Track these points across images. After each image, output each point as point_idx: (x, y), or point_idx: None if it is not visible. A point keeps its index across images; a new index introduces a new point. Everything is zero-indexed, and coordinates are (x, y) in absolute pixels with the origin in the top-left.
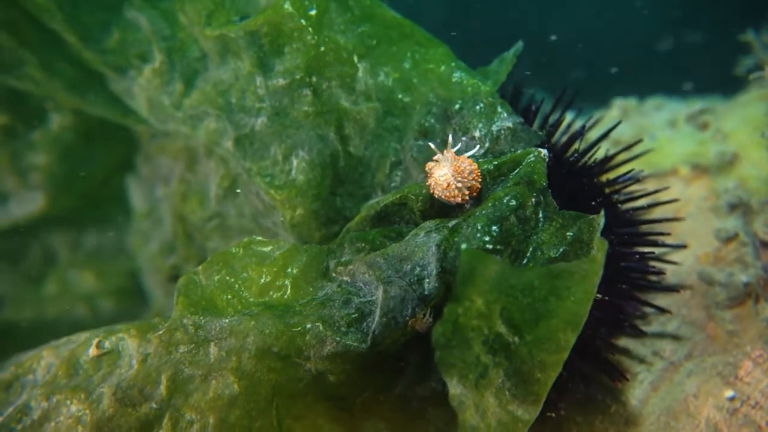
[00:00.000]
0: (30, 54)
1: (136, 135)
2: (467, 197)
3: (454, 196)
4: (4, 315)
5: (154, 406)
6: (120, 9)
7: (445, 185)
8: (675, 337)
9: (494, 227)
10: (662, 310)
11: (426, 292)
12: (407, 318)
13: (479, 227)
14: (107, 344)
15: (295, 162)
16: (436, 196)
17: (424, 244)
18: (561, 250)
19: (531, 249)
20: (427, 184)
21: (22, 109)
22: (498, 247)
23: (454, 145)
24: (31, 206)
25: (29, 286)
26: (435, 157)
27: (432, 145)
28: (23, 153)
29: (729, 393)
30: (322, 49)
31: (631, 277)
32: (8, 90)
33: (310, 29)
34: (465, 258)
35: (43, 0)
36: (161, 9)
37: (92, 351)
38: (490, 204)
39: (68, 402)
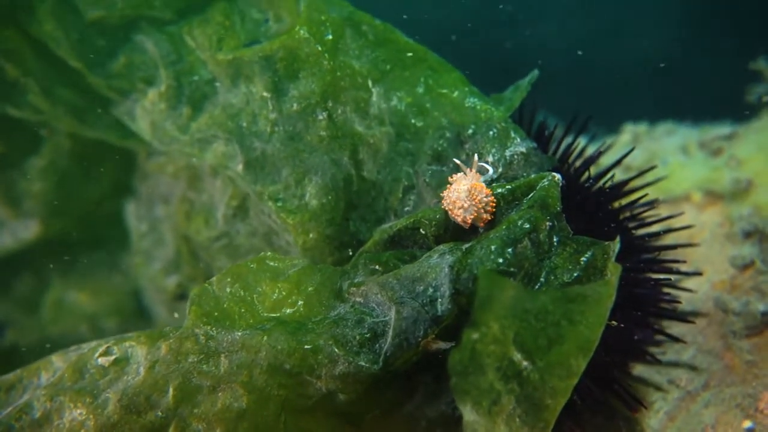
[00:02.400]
0: (33, 82)
1: (132, 154)
2: (468, 222)
3: (456, 215)
4: (8, 339)
5: (160, 414)
6: (127, 34)
7: (453, 199)
8: (691, 366)
9: (508, 249)
10: (677, 340)
11: (438, 313)
12: (419, 339)
13: (493, 249)
14: (116, 350)
15: (308, 186)
16: (443, 206)
17: (437, 265)
18: (575, 275)
19: (544, 273)
20: (442, 193)
21: (16, 137)
22: (512, 269)
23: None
24: (24, 234)
25: (25, 312)
26: (459, 174)
27: (458, 161)
28: (17, 181)
29: (748, 424)
30: (338, 74)
31: (645, 304)
32: (2, 117)
33: (326, 54)
34: (483, 282)
35: (50, 27)
36: (168, 33)
37: (101, 358)
38: (504, 227)
39: (72, 405)
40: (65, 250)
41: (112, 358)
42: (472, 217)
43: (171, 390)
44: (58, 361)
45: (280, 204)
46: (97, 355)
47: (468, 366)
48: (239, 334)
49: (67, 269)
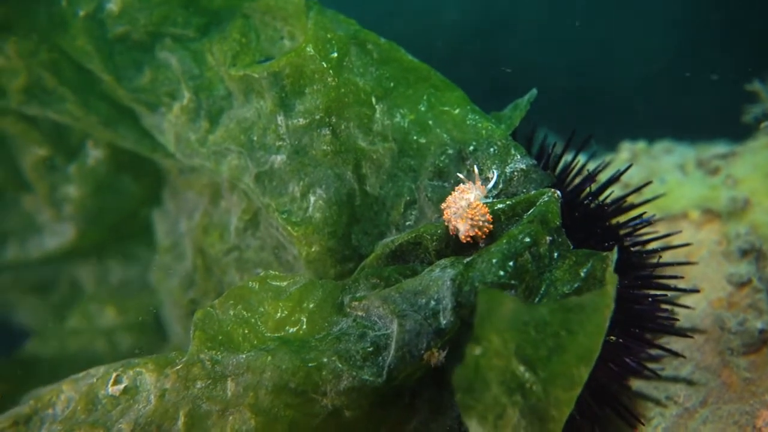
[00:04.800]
0: (70, 92)
1: (164, 170)
2: (453, 226)
3: (445, 215)
4: (28, 349)
5: None
6: (152, 50)
7: (450, 202)
8: (689, 383)
9: (509, 263)
10: (676, 355)
11: (441, 326)
12: (422, 352)
13: (494, 262)
14: (125, 379)
15: (312, 199)
16: (441, 208)
17: (439, 278)
18: (575, 286)
19: (545, 285)
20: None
21: (63, 142)
22: (512, 282)
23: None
24: (62, 238)
25: (55, 318)
26: (467, 185)
27: (461, 176)
28: (60, 185)
29: None
30: (342, 90)
31: (644, 320)
32: (51, 122)
33: (331, 71)
34: (482, 298)
35: (82, 43)
36: (191, 50)
37: (111, 387)
38: (504, 240)
39: None
40: (100, 261)
41: (122, 386)
42: (457, 223)
43: (181, 417)
44: (69, 390)
45: (285, 216)
46: (107, 384)
47: (473, 381)
48: (244, 356)
49: (101, 280)
